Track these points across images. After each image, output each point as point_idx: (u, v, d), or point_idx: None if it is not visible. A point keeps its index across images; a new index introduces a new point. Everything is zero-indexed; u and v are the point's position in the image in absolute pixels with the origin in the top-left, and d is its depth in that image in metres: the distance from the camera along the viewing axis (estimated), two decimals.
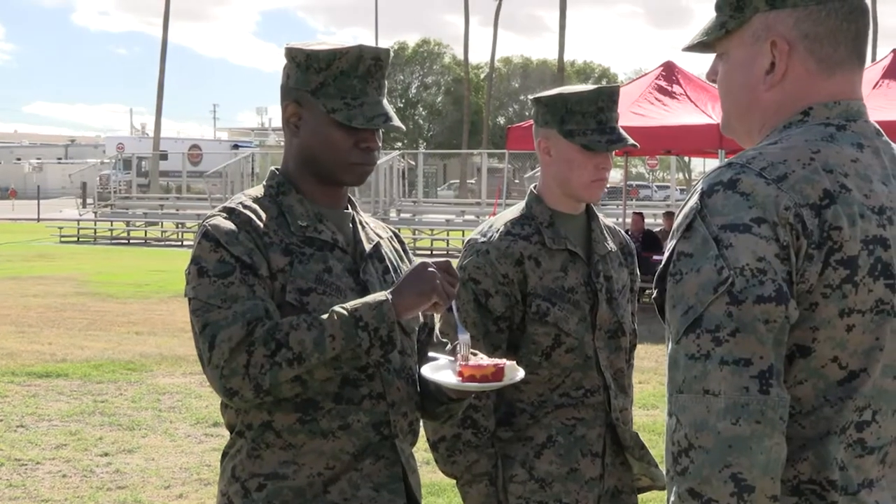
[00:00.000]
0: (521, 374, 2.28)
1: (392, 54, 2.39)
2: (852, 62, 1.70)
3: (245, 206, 2.30)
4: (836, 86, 1.70)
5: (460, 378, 2.24)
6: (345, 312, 2.15)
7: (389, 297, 2.18)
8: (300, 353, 2.12)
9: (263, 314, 2.16)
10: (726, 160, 1.68)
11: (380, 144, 2.35)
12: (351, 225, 2.41)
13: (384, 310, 2.16)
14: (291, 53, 2.33)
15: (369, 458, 2.29)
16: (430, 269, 2.21)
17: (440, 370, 2.29)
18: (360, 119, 2.26)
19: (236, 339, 2.12)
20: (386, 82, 2.36)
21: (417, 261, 2.32)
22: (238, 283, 2.18)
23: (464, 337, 2.29)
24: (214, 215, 2.28)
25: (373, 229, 2.49)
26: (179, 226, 31.70)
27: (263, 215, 2.29)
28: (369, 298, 2.19)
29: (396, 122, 2.30)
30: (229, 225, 2.24)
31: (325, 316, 2.16)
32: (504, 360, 2.27)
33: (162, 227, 33.03)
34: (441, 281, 2.19)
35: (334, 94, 2.28)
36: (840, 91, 1.70)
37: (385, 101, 2.32)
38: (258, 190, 2.39)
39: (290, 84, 2.34)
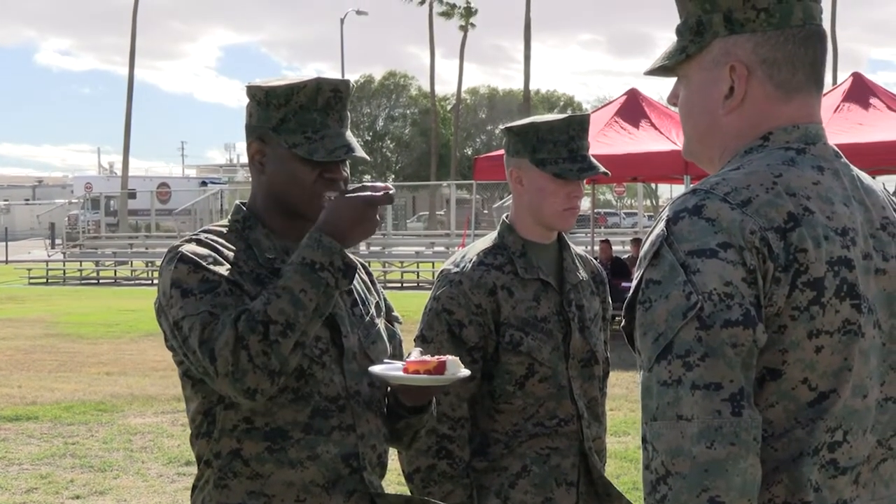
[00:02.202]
0: (464, 371, 2.29)
1: (354, 86, 2.39)
2: (810, 87, 1.72)
3: (211, 240, 2.29)
4: (795, 110, 1.72)
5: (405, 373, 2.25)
6: (297, 266, 2.15)
7: (317, 230, 2.18)
8: (287, 321, 2.11)
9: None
10: (691, 186, 1.69)
11: (346, 175, 2.33)
12: None
13: (324, 242, 2.16)
14: (251, 92, 2.34)
15: (341, 495, 2.27)
16: (349, 199, 2.19)
17: (388, 370, 2.29)
18: (321, 152, 2.26)
19: (231, 342, 2.09)
20: (348, 113, 2.35)
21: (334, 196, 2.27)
22: (224, 294, 2.17)
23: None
24: (184, 243, 2.27)
25: None
26: (149, 264, 31.49)
27: (231, 247, 2.29)
28: (303, 242, 2.19)
29: (359, 152, 2.30)
30: (204, 250, 2.24)
31: (281, 281, 2.15)
32: (447, 357, 2.28)
33: (132, 266, 32.85)
34: (369, 211, 2.19)
35: (295, 129, 2.28)
36: (799, 115, 1.72)
37: (348, 133, 2.32)
38: (223, 225, 2.38)
39: (252, 122, 2.34)
